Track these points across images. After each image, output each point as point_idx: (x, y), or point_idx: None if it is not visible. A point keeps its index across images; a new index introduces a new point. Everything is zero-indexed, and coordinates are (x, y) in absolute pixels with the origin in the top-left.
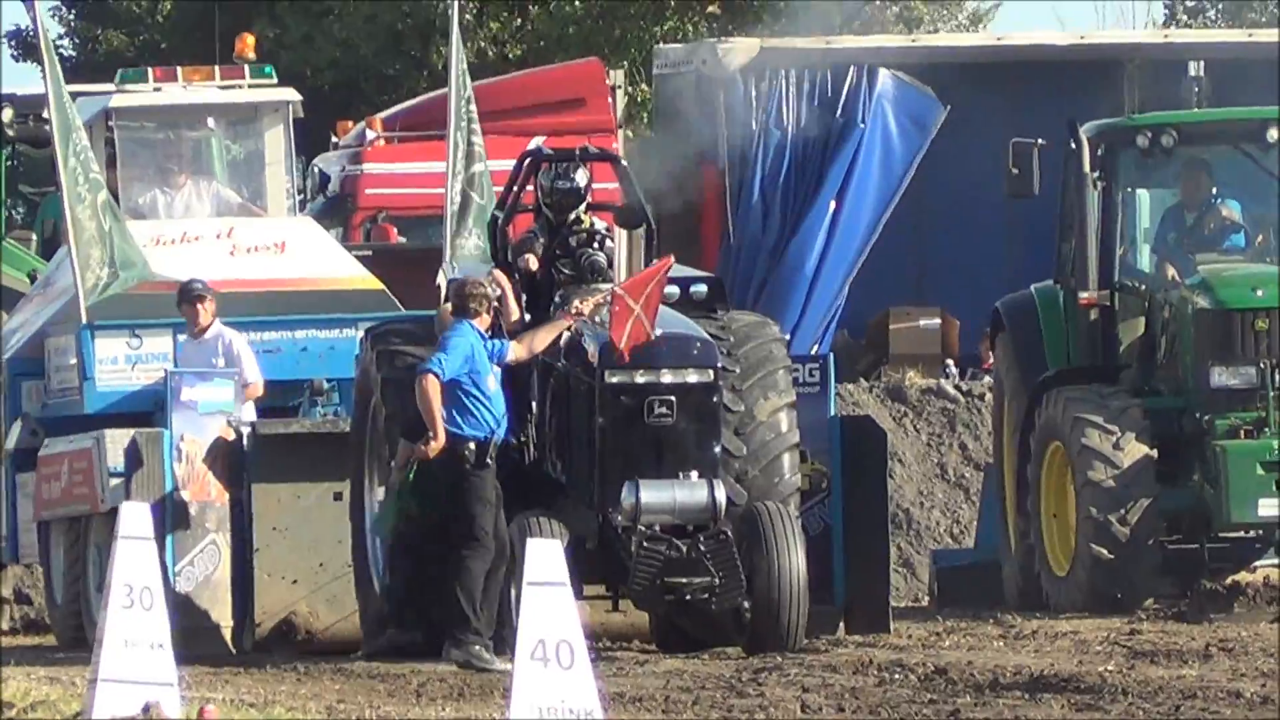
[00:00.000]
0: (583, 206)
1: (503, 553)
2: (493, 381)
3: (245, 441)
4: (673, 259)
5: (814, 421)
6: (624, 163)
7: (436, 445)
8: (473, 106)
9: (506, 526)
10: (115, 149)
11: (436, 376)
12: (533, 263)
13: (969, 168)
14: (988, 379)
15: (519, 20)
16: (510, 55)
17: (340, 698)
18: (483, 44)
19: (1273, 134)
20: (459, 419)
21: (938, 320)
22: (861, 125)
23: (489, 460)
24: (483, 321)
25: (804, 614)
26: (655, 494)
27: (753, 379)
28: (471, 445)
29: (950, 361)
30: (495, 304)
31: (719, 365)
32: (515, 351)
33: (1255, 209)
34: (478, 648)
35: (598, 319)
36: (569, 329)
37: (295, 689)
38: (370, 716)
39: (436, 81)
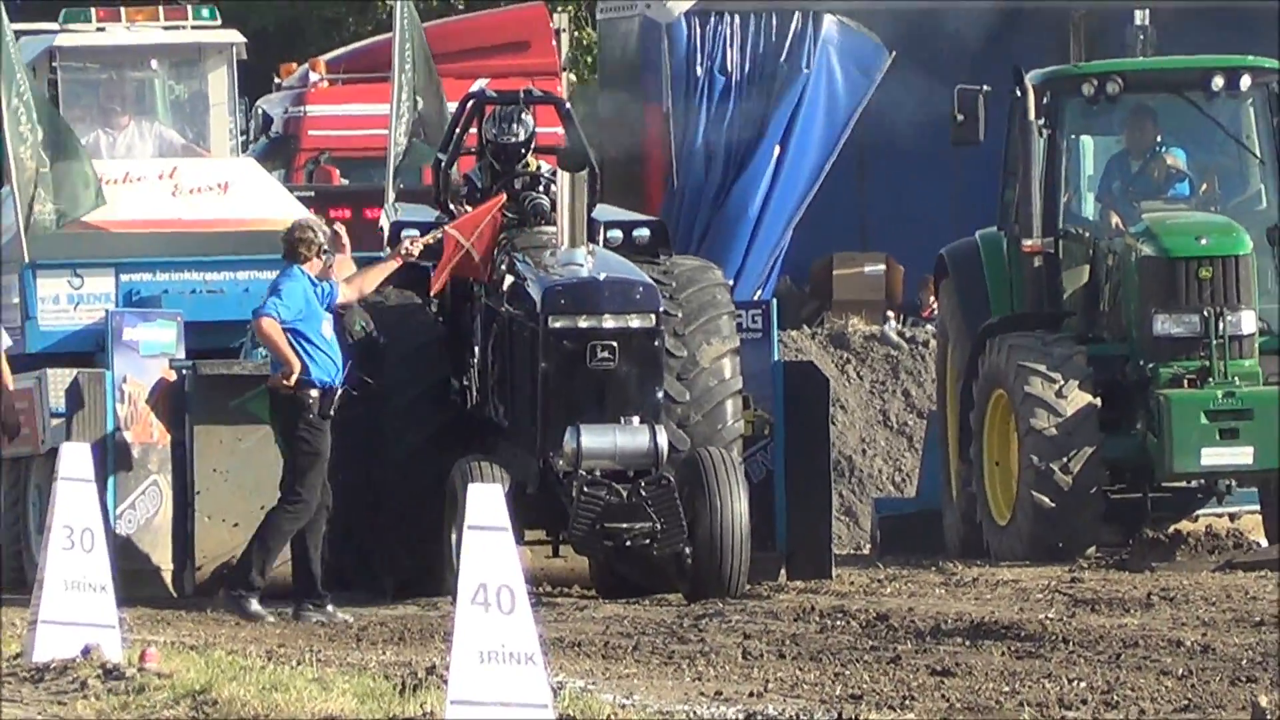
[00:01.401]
0: (528, 154)
1: (321, 512)
2: (327, 327)
3: (186, 383)
4: (504, 197)
5: (757, 368)
6: (568, 106)
7: (293, 376)
8: (415, 52)
9: (328, 486)
10: (58, 89)
11: (273, 318)
12: (468, 210)
13: (913, 114)
14: (930, 326)
15: None
16: (457, 4)
17: (281, 641)
18: None
19: (1217, 82)
20: (307, 363)
21: (882, 267)
22: (806, 70)
23: (331, 413)
24: (313, 266)
25: (745, 560)
26: (596, 439)
27: (695, 324)
28: (314, 393)
29: (890, 313)
30: (325, 249)
31: (661, 310)
32: (345, 293)
33: (1200, 157)
34: (253, 603)
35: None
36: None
37: (236, 632)
38: (311, 660)
39: (380, 25)
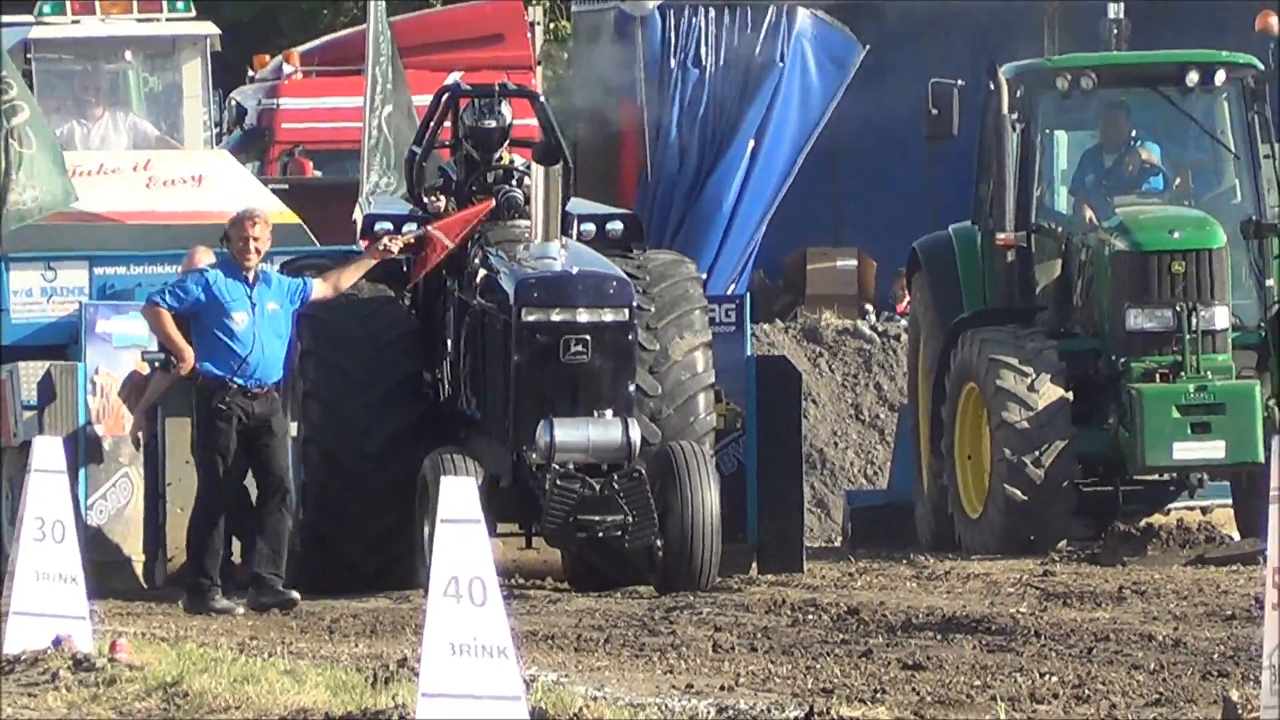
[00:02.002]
0: (504, 148)
1: (210, 512)
2: (242, 319)
3: (158, 375)
4: (493, 202)
5: (729, 361)
6: (542, 99)
7: (185, 365)
8: (389, 44)
9: (221, 492)
10: (33, 81)
11: (156, 305)
12: (441, 203)
13: (887, 108)
14: (903, 321)
15: None
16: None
17: (253, 634)
18: None
19: (1192, 77)
20: (200, 355)
21: (854, 261)
22: (780, 64)
23: (220, 405)
24: (246, 259)
25: (716, 553)
26: (569, 432)
27: (668, 318)
28: (203, 383)
29: (869, 306)
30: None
31: (634, 304)
32: (320, 289)
33: (1174, 152)
34: (217, 599)
35: (511, 255)
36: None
37: (207, 624)
38: (282, 652)
39: (355, 18)
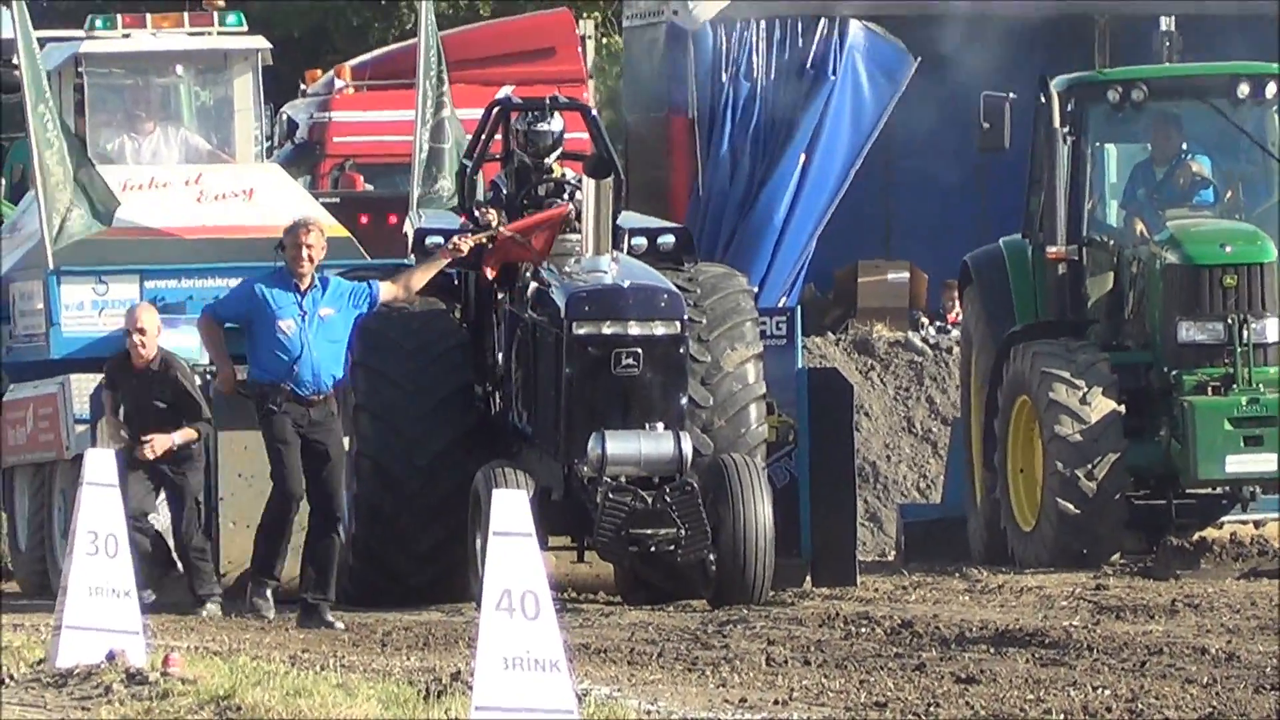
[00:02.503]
0: (556, 153)
1: (287, 500)
2: (290, 325)
3: (211, 388)
4: (570, 209)
5: (781, 374)
6: (594, 112)
7: (223, 377)
8: (439, 58)
9: (298, 477)
10: (84, 95)
11: (208, 316)
12: (492, 216)
13: (939, 121)
14: (955, 332)
15: None
16: (482, 10)
17: (305, 647)
18: None
19: (1243, 89)
20: (252, 363)
21: (906, 274)
22: (832, 77)
23: (272, 406)
24: (301, 267)
25: (770, 567)
26: (621, 445)
27: (720, 330)
28: (256, 389)
29: (923, 318)
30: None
31: (685, 317)
32: (390, 291)
33: (1225, 164)
34: (261, 598)
35: (546, 264)
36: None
37: (260, 638)
38: (334, 666)
39: (406, 32)
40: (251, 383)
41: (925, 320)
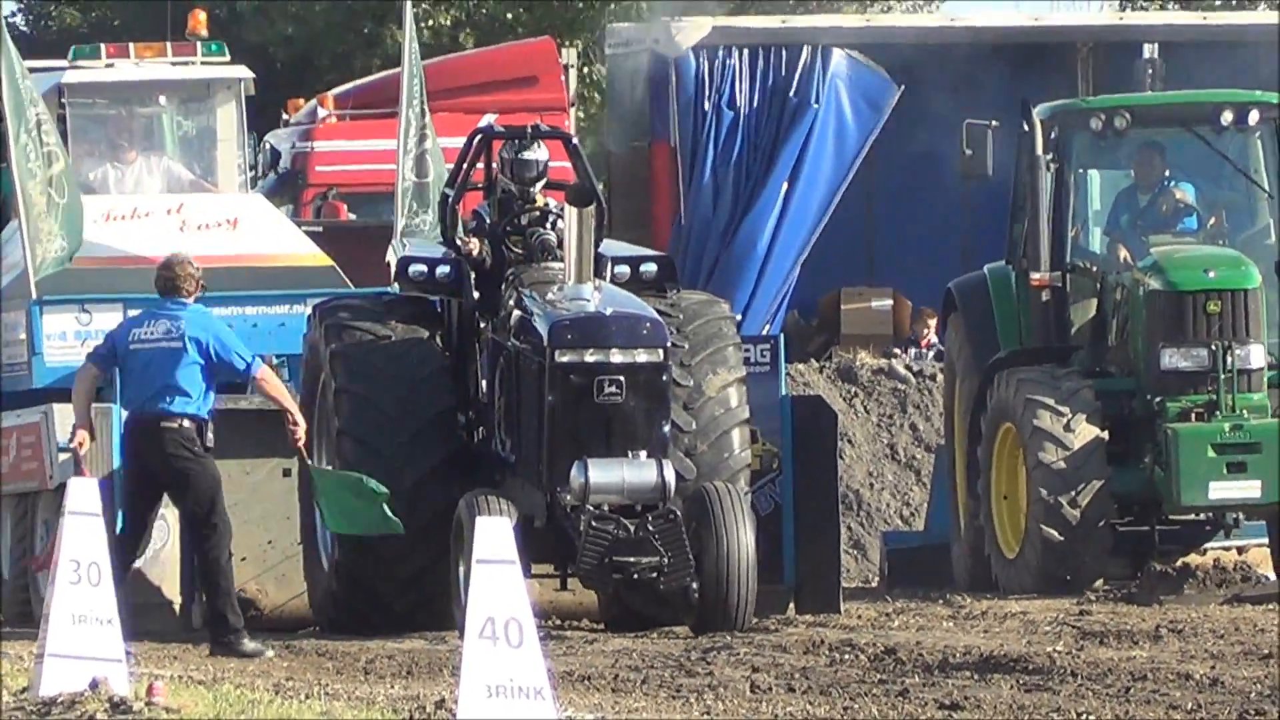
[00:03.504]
0: (542, 183)
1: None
2: (140, 355)
3: None
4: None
5: (765, 401)
6: (575, 141)
7: (78, 442)
8: (422, 88)
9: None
10: (67, 125)
11: (87, 364)
12: (474, 245)
13: (922, 148)
14: (932, 357)
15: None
16: (464, 40)
17: (289, 675)
18: (442, 21)
19: (1226, 116)
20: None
21: (889, 301)
22: (815, 105)
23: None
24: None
25: (753, 593)
26: (604, 474)
27: (702, 355)
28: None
29: (896, 350)
30: (201, 281)
31: (668, 344)
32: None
33: (1208, 192)
34: (245, 642)
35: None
36: None
37: (243, 666)
38: (318, 694)
39: (389, 61)
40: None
41: (898, 350)
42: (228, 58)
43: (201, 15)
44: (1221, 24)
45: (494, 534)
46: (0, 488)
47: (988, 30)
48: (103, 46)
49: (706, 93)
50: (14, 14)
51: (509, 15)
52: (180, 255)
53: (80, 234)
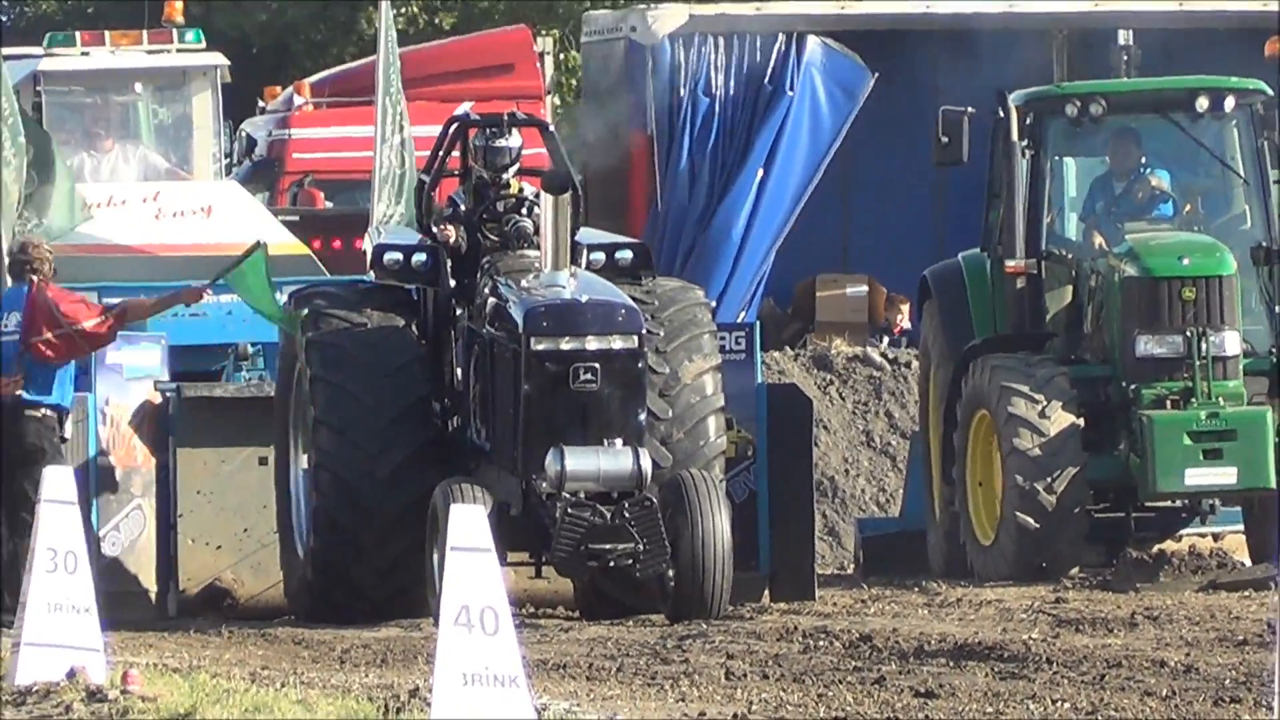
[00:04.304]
0: (514, 169)
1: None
2: None
3: (170, 405)
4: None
5: (740, 389)
6: (551, 129)
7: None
8: (398, 76)
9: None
10: (42, 113)
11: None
12: (450, 233)
13: (897, 135)
14: (904, 344)
15: None
16: (442, 24)
17: (265, 663)
18: (415, 9)
19: (1202, 103)
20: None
21: (864, 288)
22: (790, 93)
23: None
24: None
25: (728, 581)
26: (580, 461)
27: (677, 341)
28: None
29: (872, 340)
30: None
31: (644, 331)
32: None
33: (1184, 178)
34: None
35: (523, 283)
36: None
37: (220, 654)
38: (294, 682)
39: (365, 49)
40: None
41: (873, 340)
42: (204, 45)
43: (177, 3)
44: (1197, 10)
45: (469, 521)
46: None
47: (963, 17)
48: (78, 34)
49: (682, 80)
50: None
51: (485, 3)
52: (31, 238)
53: (67, 215)
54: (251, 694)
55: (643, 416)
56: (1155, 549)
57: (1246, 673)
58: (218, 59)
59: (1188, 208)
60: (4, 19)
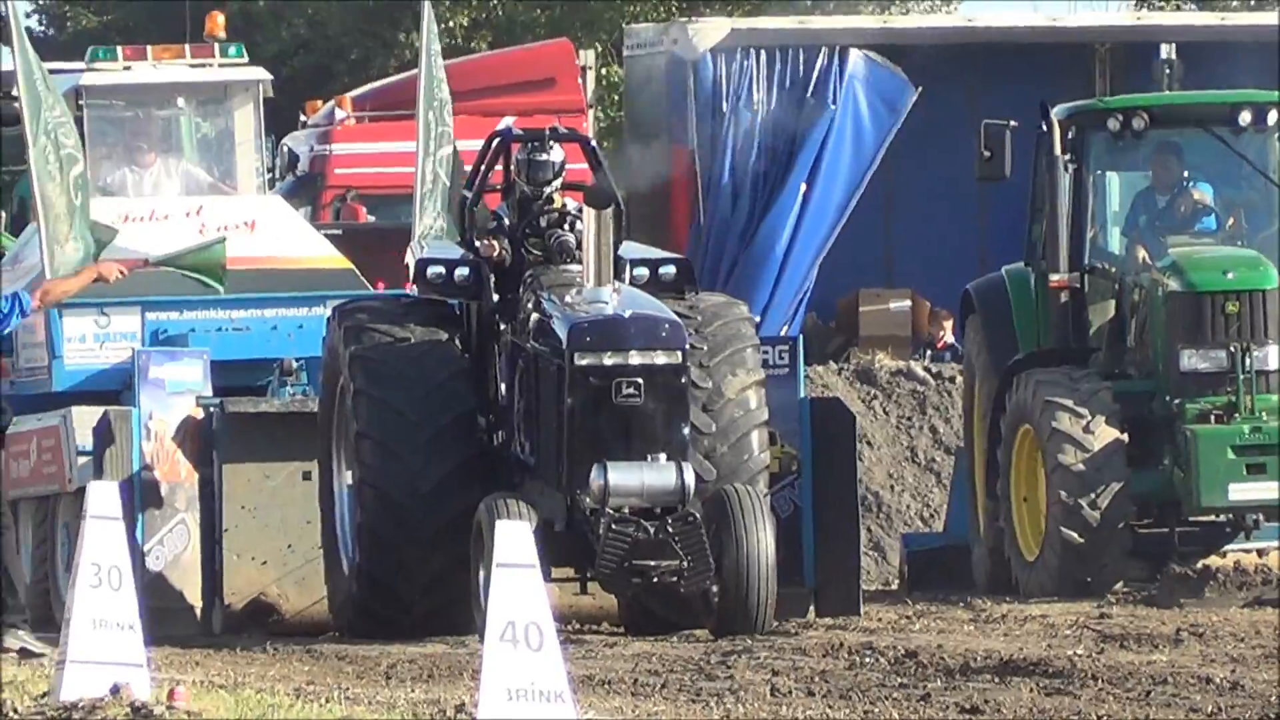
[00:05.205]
0: (557, 183)
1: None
2: None
3: (214, 421)
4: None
5: (783, 403)
6: (593, 143)
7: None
8: (445, 89)
9: None
10: (84, 127)
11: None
12: (494, 247)
13: (940, 149)
14: (949, 358)
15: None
16: (478, 46)
17: (310, 679)
18: (455, 26)
19: (1244, 117)
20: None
21: (908, 302)
22: (832, 106)
23: None
24: None
25: (773, 596)
26: (623, 476)
27: (721, 356)
28: None
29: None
30: None
31: (687, 346)
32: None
33: (1226, 192)
34: (24, 631)
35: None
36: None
37: (264, 670)
38: (339, 698)
39: (406, 63)
40: None
41: (916, 355)
42: (246, 60)
43: (220, 17)
44: (1239, 24)
45: (514, 537)
46: (20, 491)
47: (1005, 30)
48: (120, 49)
49: (724, 94)
50: (30, 15)
51: (524, 20)
52: None
53: (90, 237)
54: (297, 710)
55: (686, 431)
56: (1199, 564)
57: None
58: (260, 73)
59: (1230, 221)
60: (47, 30)
